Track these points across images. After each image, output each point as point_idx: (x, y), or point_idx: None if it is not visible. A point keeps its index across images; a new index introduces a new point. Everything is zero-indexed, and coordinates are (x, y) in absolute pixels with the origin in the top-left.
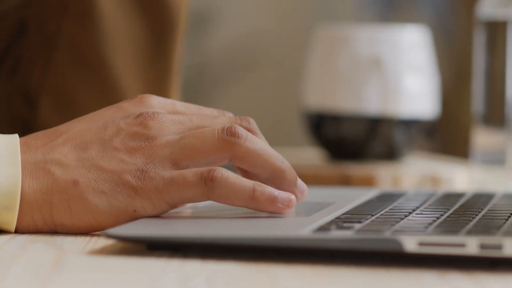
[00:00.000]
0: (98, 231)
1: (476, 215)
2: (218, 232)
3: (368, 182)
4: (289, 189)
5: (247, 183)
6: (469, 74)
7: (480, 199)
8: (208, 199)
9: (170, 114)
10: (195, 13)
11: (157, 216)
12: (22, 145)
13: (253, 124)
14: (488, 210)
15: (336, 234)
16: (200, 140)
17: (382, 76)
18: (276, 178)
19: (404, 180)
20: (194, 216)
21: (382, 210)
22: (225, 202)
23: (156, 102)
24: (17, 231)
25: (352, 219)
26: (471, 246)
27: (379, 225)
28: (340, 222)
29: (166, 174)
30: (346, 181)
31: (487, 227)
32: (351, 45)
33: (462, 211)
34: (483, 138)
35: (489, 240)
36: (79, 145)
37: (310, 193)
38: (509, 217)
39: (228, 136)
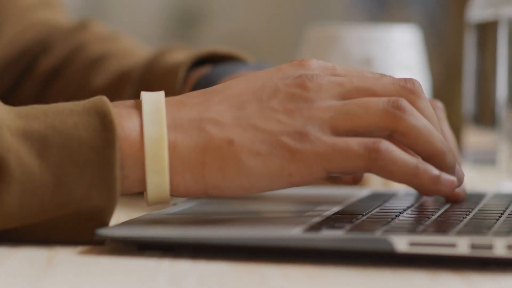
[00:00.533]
0: (252, 193)
1: (467, 215)
2: (209, 233)
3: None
4: (448, 173)
5: (412, 159)
6: (460, 74)
7: (471, 199)
8: (369, 171)
9: (330, 76)
10: (186, 12)
11: (311, 183)
12: (177, 102)
13: (418, 86)
14: (479, 210)
15: (327, 234)
16: (363, 109)
17: None
18: (435, 160)
19: None
20: (185, 217)
21: (373, 210)
22: (387, 176)
23: (315, 65)
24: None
25: (343, 219)
26: (462, 246)
27: (370, 225)
28: (331, 222)
29: (327, 140)
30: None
31: (478, 227)
32: (342, 44)
33: (452, 211)
34: (474, 138)
35: (480, 240)
36: (235, 104)
37: (301, 193)
38: (499, 217)
39: (393, 109)
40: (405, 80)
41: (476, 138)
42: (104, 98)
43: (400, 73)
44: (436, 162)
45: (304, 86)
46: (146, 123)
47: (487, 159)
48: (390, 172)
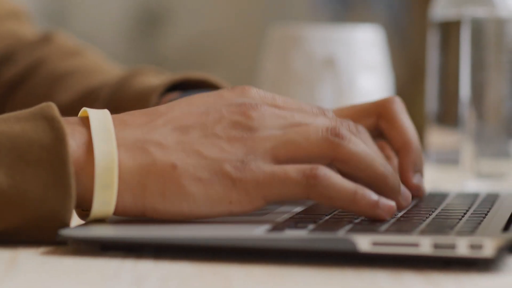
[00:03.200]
0: (190, 219)
1: (429, 214)
2: (171, 233)
3: None
4: (392, 196)
5: (350, 185)
6: (423, 73)
7: (434, 199)
8: (308, 197)
9: (272, 107)
10: (149, 12)
11: (250, 212)
12: (118, 121)
13: (356, 127)
14: (442, 209)
15: (290, 234)
16: (303, 137)
17: (336, 75)
18: (378, 184)
19: None
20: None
21: (336, 210)
22: (326, 202)
23: (256, 94)
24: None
25: (307, 219)
26: (425, 245)
27: (333, 225)
28: (295, 222)
29: (267, 168)
30: None
31: (440, 226)
32: (305, 44)
33: (415, 211)
34: (437, 138)
35: (442, 239)
36: (179, 128)
37: None
38: (462, 216)
39: (332, 136)
40: (342, 121)
41: (439, 138)
42: (51, 104)
43: (363, 73)
44: (379, 187)
45: (248, 115)
46: (96, 139)
47: (450, 159)
48: (328, 198)
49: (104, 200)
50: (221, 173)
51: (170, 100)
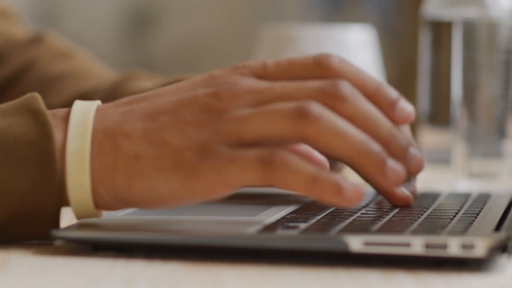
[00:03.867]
0: (163, 208)
1: (421, 214)
2: (163, 233)
3: None
4: (380, 176)
5: (309, 169)
6: (415, 74)
7: (426, 199)
8: (268, 183)
9: (251, 82)
10: (140, 13)
11: (217, 198)
12: (103, 112)
13: (345, 90)
14: (434, 209)
15: (281, 233)
16: (268, 120)
17: None
18: (358, 165)
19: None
20: (139, 217)
21: (328, 209)
22: (286, 187)
23: (248, 66)
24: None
25: (298, 218)
26: (416, 245)
27: (324, 225)
28: (286, 221)
29: (227, 153)
30: None
31: (432, 226)
32: (297, 44)
33: (407, 211)
34: (428, 138)
35: (434, 239)
36: (151, 115)
37: (257, 192)
38: (454, 216)
39: (298, 116)
40: (329, 83)
41: (431, 138)
42: (36, 95)
43: None
44: (361, 168)
45: (219, 96)
46: (70, 136)
47: (442, 159)
48: (287, 184)
49: (81, 201)
50: (181, 161)
51: None
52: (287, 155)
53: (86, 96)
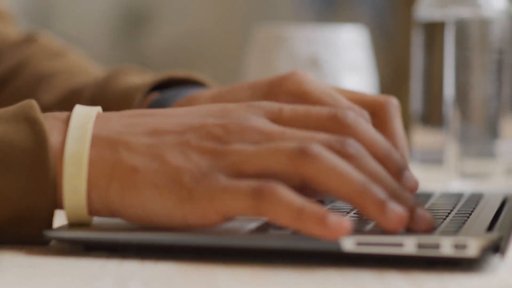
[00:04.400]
0: (150, 225)
1: None
2: (156, 233)
3: None
4: (379, 216)
5: (297, 201)
6: (408, 74)
7: (418, 199)
8: (258, 214)
9: (263, 122)
10: (133, 13)
11: (208, 226)
12: (103, 119)
13: (351, 148)
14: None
15: (274, 233)
16: (269, 155)
17: (320, 75)
18: (358, 206)
19: None
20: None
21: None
22: (273, 220)
23: (263, 108)
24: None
25: None
26: (409, 245)
27: None
28: None
29: (223, 181)
30: None
31: None
32: (289, 45)
33: None
34: (421, 138)
35: (426, 239)
36: (155, 132)
37: None
38: (447, 216)
39: (298, 155)
40: (337, 139)
41: (423, 138)
42: (33, 103)
43: (347, 73)
44: (360, 207)
45: (228, 129)
46: (69, 138)
47: (435, 159)
48: (274, 215)
49: (75, 204)
50: (178, 182)
51: (153, 100)
52: (278, 187)
53: (76, 92)
